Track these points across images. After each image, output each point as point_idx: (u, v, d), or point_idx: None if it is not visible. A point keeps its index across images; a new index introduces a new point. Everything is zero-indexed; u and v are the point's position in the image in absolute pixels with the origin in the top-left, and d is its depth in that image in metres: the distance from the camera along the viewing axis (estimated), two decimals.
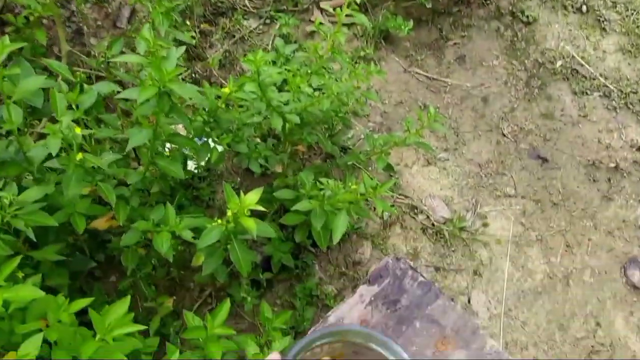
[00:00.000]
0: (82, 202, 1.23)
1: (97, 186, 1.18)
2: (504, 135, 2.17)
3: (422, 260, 1.84)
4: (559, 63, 2.35)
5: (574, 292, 1.82)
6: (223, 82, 2.15)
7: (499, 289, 1.81)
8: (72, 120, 1.13)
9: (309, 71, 1.40)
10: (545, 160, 2.13)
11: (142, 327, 1.11)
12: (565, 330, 1.74)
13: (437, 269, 1.84)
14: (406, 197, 1.98)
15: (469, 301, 1.79)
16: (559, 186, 2.07)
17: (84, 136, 1.14)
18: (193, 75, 2.13)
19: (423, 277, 1.11)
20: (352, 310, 1.05)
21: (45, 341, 1.17)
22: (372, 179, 1.24)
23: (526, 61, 2.35)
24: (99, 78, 1.80)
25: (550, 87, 2.30)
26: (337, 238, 1.25)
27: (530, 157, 2.13)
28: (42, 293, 0.99)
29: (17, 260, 1.03)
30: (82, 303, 1.09)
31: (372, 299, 1.07)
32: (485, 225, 1.96)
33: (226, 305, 1.25)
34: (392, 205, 1.96)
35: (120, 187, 1.31)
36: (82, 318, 1.14)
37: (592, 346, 1.72)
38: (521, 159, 2.12)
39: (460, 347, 1.02)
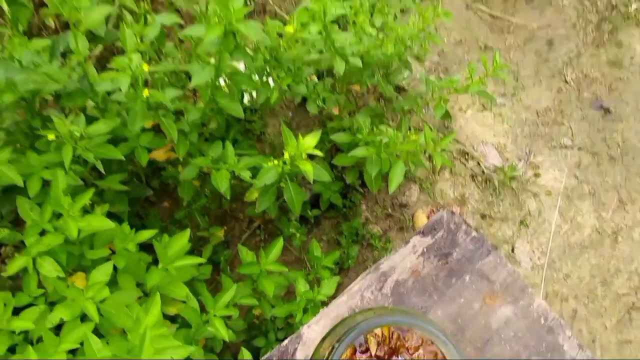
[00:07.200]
0: (145, 135, 1.26)
1: (160, 121, 1.20)
2: (567, 82, 2.07)
3: (468, 207, 1.84)
4: (633, 6, 2.18)
5: (622, 248, 1.80)
6: (278, 10, 2.09)
7: (545, 241, 1.80)
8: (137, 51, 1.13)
9: (372, 6, 1.35)
10: (607, 111, 2.04)
11: (201, 260, 1.16)
12: (607, 286, 1.74)
13: (483, 217, 1.83)
14: (458, 142, 1.95)
15: (512, 250, 1.80)
16: (619, 139, 1.99)
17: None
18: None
19: (477, 232, 1.11)
20: (404, 260, 1.07)
21: None
22: (431, 129, 1.22)
23: (599, 2, 2.20)
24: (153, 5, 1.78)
25: (622, 33, 2.15)
26: (393, 188, 1.26)
27: (592, 107, 2.05)
28: (112, 224, 1.04)
29: (91, 192, 1.07)
30: (146, 234, 1.15)
31: (425, 250, 1.08)
32: (536, 175, 1.92)
33: (279, 243, 1.30)
34: (443, 150, 1.93)
35: (179, 122, 1.33)
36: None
37: (633, 303, 1.71)
38: (582, 108, 2.04)
39: (508, 302, 1.04)
